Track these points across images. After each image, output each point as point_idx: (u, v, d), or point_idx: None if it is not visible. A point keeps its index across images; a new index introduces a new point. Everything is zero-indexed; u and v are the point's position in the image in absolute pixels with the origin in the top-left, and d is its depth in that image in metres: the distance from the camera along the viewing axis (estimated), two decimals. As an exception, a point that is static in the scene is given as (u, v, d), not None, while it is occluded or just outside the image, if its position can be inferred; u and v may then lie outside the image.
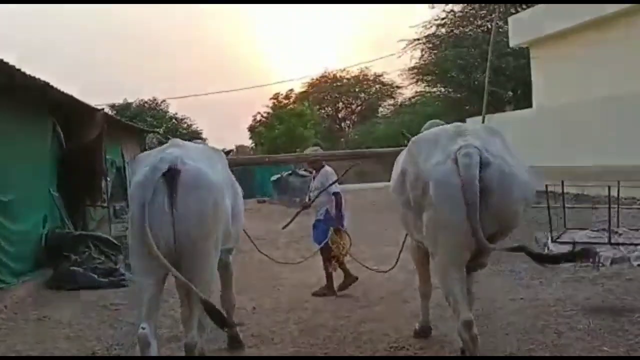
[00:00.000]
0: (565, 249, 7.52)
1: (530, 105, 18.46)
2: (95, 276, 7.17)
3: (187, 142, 4.15)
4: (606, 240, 7.60)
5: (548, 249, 7.89)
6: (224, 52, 58.80)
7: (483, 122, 10.48)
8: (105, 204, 10.65)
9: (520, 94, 25.88)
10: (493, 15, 17.00)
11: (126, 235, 4.01)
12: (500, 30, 26.57)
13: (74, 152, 10.13)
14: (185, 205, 3.43)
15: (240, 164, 10.20)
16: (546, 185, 8.18)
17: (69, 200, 10.15)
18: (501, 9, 18.01)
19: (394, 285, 6.64)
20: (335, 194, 6.56)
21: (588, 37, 14.31)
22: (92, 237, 8.09)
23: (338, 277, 6.73)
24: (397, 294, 6.31)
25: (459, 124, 4.16)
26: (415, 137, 4.18)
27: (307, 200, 7.00)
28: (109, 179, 11.01)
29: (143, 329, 3.46)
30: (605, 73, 13.61)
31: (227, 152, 4.92)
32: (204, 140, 23.02)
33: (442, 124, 4.51)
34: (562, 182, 8.64)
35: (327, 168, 6.85)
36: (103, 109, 10.23)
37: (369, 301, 6.20)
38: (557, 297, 5.66)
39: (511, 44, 17.89)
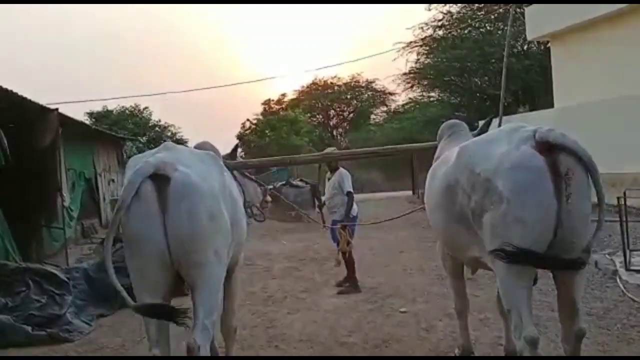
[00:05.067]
0: (650, 281, 5.84)
1: (533, 109, 17.14)
2: (29, 328, 5.31)
3: (179, 146, 3.76)
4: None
5: (620, 278, 6.19)
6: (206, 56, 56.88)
7: (500, 124, 8.94)
8: (61, 225, 8.78)
9: (521, 97, 24.56)
10: (509, 8, 15.53)
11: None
12: (500, 31, 25.40)
13: (22, 163, 8.47)
14: (177, 216, 3.09)
15: (258, 167, 8.29)
16: (618, 198, 6.50)
17: (17, 221, 8.46)
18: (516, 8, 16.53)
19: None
20: (349, 193, 6.84)
21: (616, 30, 12.70)
22: (31, 271, 6.16)
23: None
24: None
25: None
26: (462, 144, 3.67)
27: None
28: (65, 193, 9.15)
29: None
30: (636, 69, 11.99)
31: (235, 149, 5.03)
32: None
33: (463, 124, 4.45)
34: (625, 193, 6.93)
35: (342, 169, 7.15)
36: (57, 108, 8.37)
37: None
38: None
39: (528, 38, 16.31)
